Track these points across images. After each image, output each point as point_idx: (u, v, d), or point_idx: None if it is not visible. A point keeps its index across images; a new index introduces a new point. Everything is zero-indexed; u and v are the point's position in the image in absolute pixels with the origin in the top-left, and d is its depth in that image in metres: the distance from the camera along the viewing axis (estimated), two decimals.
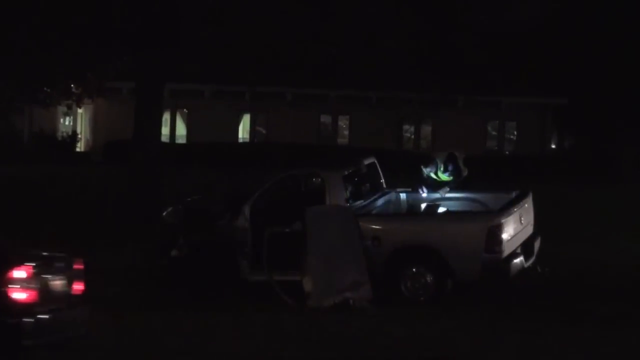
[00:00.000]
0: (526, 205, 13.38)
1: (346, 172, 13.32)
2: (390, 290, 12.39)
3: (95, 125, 38.24)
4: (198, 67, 32.16)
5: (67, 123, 38.93)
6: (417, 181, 14.37)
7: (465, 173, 14.18)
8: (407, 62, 32.34)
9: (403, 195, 14.67)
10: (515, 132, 37.39)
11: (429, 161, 14.12)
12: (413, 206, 14.42)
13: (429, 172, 14.09)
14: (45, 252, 9.57)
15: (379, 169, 14.55)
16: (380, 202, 14.02)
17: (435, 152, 14.46)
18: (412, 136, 37.19)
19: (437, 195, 14.20)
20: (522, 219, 12.99)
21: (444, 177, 14.10)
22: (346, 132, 37.64)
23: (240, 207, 13.12)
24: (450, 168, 13.94)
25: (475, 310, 11.99)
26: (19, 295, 8.43)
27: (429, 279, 12.35)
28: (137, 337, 10.58)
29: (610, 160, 33.76)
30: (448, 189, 14.15)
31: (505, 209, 12.73)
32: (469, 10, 27.68)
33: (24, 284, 8.46)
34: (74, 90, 27.68)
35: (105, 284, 13.68)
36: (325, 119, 37.70)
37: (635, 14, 33.03)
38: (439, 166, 14.02)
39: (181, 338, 10.57)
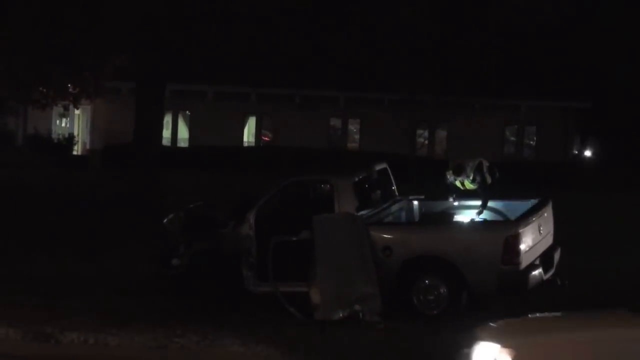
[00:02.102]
0: (545, 214, 13.40)
1: (356, 179, 13.37)
2: (402, 302, 12.44)
3: (93, 127, 38.38)
4: (201, 66, 32.31)
5: (63, 125, 39.07)
6: (445, 188, 14.33)
7: (489, 181, 14.15)
8: (422, 63, 32.47)
9: (416, 203, 14.72)
10: (535, 138, 37.40)
11: (460, 169, 13.97)
12: (426, 215, 14.49)
13: (454, 180, 14.01)
14: None
15: (391, 175, 14.60)
16: (391, 210, 14.06)
17: (464, 159, 14.32)
18: (426, 141, 37.24)
19: (450, 203, 14.27)
20: (541, 228, 13.02)
21: (470, 185, 14.08)
22: (357, 136, 37.70)
23: (244, 214, 13.18)
24: (478, 178, 13.92)
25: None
26: None
27: (442, 291, 12.37)
28: (137, 350, 10.67)
29: (637, 166, 33.71)
30: (455, 196, 14.16)
31: (523, 218, 12.75)
32: (487, 10, 27.74)
33: None
34: (71, 90, 27.79)
35: (103, 294, 13.80)
36: (335, 122, 37.77)
37: None
38: (468, 175, 13.94)
39: (183, 351, 10.65)
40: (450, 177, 14.03)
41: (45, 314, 12.28)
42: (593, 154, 45.31)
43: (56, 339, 11.21)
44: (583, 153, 44.93)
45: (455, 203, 14.24)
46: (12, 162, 32.46)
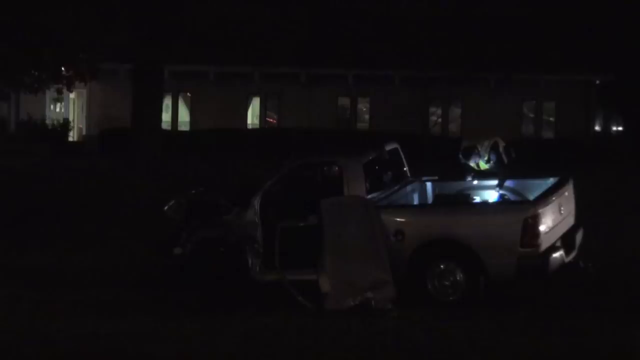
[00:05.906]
0: (566, 193, 13.35)
1: (366, 160, 13.35)
2: (416, 289, 12.43)
3: (89, 111, 38.43)
4: (202, 45, 32.26)
5: (57, 110, 39.15)
6: (460, 169, 14.32)
7: (505, 161, 14.11)
8: (434, 38, 32.34)
9: (429, 185, 14.70)
10: (555, 114, 37.30)
11: (470, 151, 13.96)
12: (440, 196, 14.47)
13: (468, 161, 14.00)
14: None
15: (403, 156, 14.58)
16: (404, 192, 14.05)
17: (478, 139, 14.28)
18: (440, 119, 37.18)
19: (466, 184, 14.26)
20: (562, 209, 12.97)
21: (484, 165, 14.07)
22: (366, 116, 37.69)
23: (249, 199, 13.18)
24: (493, 158, 13.90)
25: (511, 310, 12.04)
26: None
27: (459, 276, 12.35)
28: (137, 343, 10.69)
29: None
30: (472, 176, 14.17)
31: (543, 198, 12.70)
32: None
33: None
34: (64, 72, 27.80)
35: (102, 285, 13.85)
36: (344, 101, 37.74)
37: None
38: (482, 156, 13.94)
39: (187, 343, 10.67)
40: (462, 159, 14.04)
41: (40, 307, 12.33)
42: (617, 130, 45.19)
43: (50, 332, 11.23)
44: (606, 129, 44.81)
45: (474, 182, 14.22)
46: (4, 149, 32.54)
